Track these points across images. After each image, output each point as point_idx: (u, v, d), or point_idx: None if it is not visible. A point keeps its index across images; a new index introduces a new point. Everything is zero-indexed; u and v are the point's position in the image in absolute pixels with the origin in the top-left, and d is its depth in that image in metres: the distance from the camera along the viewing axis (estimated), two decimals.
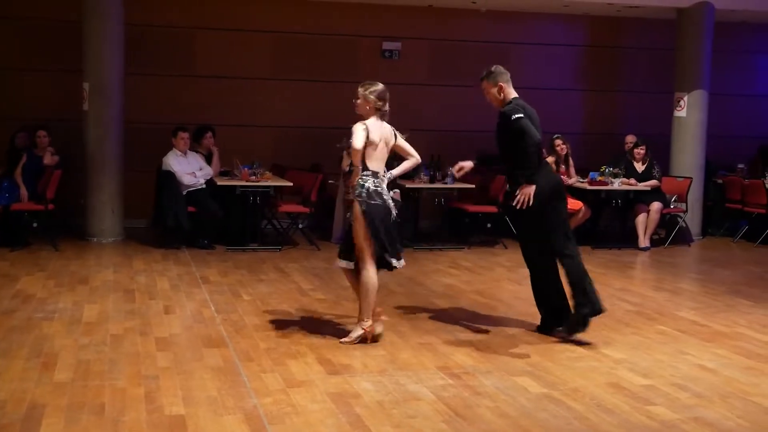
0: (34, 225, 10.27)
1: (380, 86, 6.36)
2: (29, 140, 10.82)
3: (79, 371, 5.48)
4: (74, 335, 6.35)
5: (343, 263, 6.41)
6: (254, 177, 10.46)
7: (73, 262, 9.37)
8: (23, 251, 9.88)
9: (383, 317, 6.48)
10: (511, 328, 6.93)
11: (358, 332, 6.32)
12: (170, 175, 10.50)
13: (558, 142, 11.50)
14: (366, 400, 5.08)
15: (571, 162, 11.62)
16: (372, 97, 6.32)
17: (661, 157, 12.27)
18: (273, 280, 8.74)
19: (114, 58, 10.91)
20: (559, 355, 6.22)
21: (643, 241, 11.52)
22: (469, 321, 7.03)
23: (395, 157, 6.60)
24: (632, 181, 11.64)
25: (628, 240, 11.55)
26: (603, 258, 10.67)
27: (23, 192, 10.28)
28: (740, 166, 13.26)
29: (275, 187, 10.77)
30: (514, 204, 6.43)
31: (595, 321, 7.23)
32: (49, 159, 10.59)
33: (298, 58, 12.82)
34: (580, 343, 6.52)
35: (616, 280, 9.24)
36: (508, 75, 6.66)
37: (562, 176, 11.36)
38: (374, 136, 6.25)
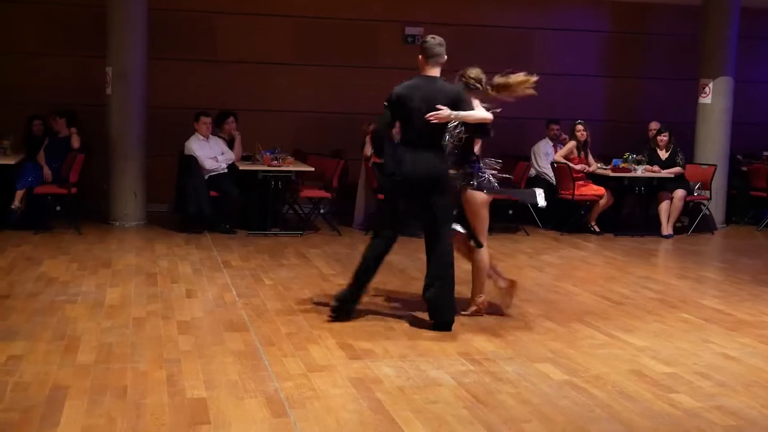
0: (58, 209, 10.35)
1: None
2: (45, 127, 10.95)
3: (101, 354, 5.51)
4: (97, 318, 6.38)
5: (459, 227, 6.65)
6: (276, 162, 10.47)
7: (96, 246, 9.43)
8: (46, 234, 9.94)
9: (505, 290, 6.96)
10: (533, 315, 6.90)
11: (472, 307, 6.77)
12: (192, 160, 10.52)
13: (579, 127, 11.42)
14: (387, 386, 5.07)
15: (589, 150, 11.54)
16: None
17: (685, 145, 12.17)
18: (294, 265, 8.75)
19: (137, 43, 10.93)
20: (581, 342, 6.20)
21: (666, 229, 11.44)
22: (491, 307, 6.99)
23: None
24: (655, 168, 11.55)
25: (651, 227, 11.48)
26: (625, 245, 10.62)
27: (46, 171, 10.37)
28: (765, 153, 13.13)
29: (297, 172, 10.78)
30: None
31: (617, 309, 7.23)
32: (76, 142, 10.67)
33: (321, 43, 12.80)
34: (602, 331, 6.49)
35: (639, 268, 9.19)
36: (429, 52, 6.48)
37: (580, 163, 11.35)
38: None
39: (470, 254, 6.77)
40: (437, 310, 6.41)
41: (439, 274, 6.39)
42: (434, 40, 6.40)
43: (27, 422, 4.34)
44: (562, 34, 13.64)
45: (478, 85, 6.52)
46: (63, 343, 5.72)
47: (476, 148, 6.61)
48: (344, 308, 6.55)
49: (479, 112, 6.37)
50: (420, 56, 6.44)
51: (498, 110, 6.51)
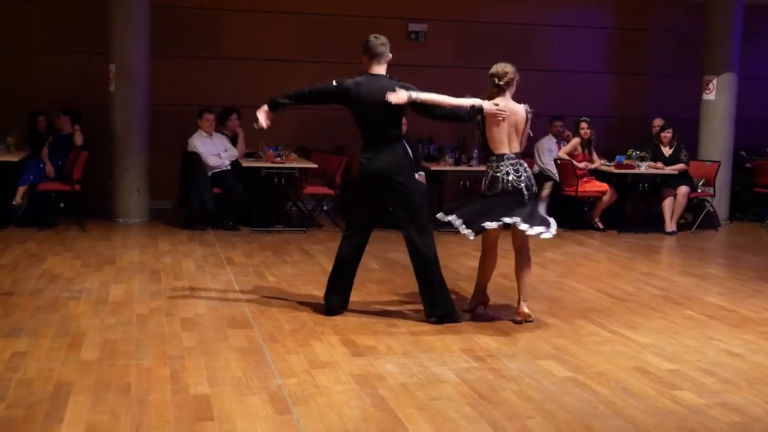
0: (62, 206, 10.37)
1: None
2: (49, 123, 10.99)
3: (105, 351, 5.52)
4: (101, 315, 6.39)
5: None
6: (279, 159, 10.48)
7: (99, 243, 9.44)
8: (50, 231, 9.95)
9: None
10: (536, 312, 6.89)
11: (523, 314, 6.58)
12: (196, 157, 10.53)
13: (583, 125, 11.39)
14: (390, 382, 5.07)
15: (593, 147, 11.52)
16: None
17: (688, 141, 12.15)
18: (298, 261, 8.75)
19: (140, 40, 10.94)
20: (584, 338, 6.19)
21: (670, 226, 11.43)
22: (494, 304, 7.00)
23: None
24: (659, 164, 11.54)
25: (655, 224, 11.47)
26: (629, 242, 10.60)
27: (49, 168, 10.39)
28: None
29: (300, 168, 10.79)
30: None
31: (621, 305, 7.22)
32: (79, 139, 10.69)
33: (324, 40, 12.79)
34: (605, 327, 6.49)
35: (643, 265, 9.18)
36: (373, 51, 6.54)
37: (584, 161, 11.32)
38: None
39: (518, 256, 6.74)
40: (430, 305, 6.46)
41: (424, 270, 6.46)
42: (377, 40, 6.56)
43: (31, 419, 4.35)
44: (566, 30, 13.62)
45: (495, 80, 6.47)
46: (67, 339, 5.73)
47: (494, 146, 6.50)
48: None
49: (438, 95, 6.34)
50: (364, 56, 6.56)
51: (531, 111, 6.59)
